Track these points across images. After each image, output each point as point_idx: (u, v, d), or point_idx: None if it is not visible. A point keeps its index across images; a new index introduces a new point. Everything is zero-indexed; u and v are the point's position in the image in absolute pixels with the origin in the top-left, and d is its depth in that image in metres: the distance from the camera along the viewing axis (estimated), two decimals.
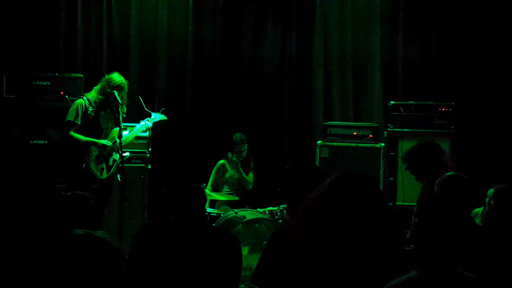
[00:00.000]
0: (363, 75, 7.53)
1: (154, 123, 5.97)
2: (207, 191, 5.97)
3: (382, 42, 7.43)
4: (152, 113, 5.95)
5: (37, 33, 7.15)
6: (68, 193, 3.85)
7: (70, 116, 5.61)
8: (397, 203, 6.39)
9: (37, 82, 6.36)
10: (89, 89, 6.51)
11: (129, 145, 6.44)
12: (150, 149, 6.62)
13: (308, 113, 7.49)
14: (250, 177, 6.70)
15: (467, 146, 6.74)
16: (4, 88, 6.31)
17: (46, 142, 6.29)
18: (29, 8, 7.10)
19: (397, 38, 7.44)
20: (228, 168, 6.65)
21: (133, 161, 6.49)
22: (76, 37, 7.21)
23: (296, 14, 7.51)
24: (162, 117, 6.03)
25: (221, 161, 6.68)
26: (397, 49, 7.44)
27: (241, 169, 6.60)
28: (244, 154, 6.60)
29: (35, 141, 6.27)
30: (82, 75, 6.56)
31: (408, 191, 6.34)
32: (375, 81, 7.43)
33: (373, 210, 1.68)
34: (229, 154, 6.59)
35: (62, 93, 6.34)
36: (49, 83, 6.37)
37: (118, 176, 5.64)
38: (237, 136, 6.61)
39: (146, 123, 5.88)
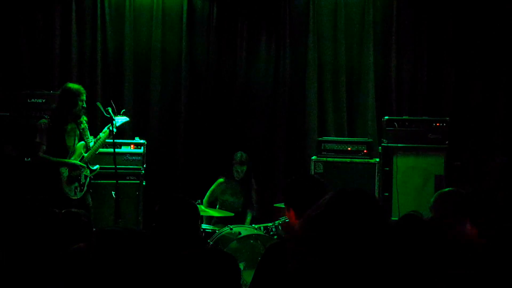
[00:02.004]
0: (357, 90, 7.56)
1: (118, 128, 5.79)
2: (202, 207, 5.95)
3: (375, 58, 7.48)
4: (114, 117, 5.72)
5: (31, 51, 7.17)
6: (62, 211, 3.83)
7: (36, 137, 5.59)
8: (393, 218, 6.37)
9: (32, 100, 6.37)
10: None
11: (124, 162, 6.45)
12: (144, 166, 6.61)
13: (302, 129, 7.50)
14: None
15: (460, 161, 6.76)
16: None
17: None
18: (23, 25, 7.12)
19: (390, 53, 7.49)
20: (227, 188, 6.59)
21: (128, 178, 6.48)
22: (70, 55, 7.23)
23: (289, 30, 7.56)
24: (125, 119, 5.87)
25: (221, 179, 6.62)
26: (390, 64, 7.48)
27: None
28: (241, 175, 6.52)
29: (29, 159, 6.26)
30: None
31: (403, 206, 6.33)
32: (369, 96, 7.45)
33: (374, 228, 1.67)
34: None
35: None
36: (43, 101, 6.38)
37: (113, 192, 5.62)
38: (237, 155, 6.55)
39: (111, 128, 5.70)
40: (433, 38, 7.43)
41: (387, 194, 6.54)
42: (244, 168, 6.53)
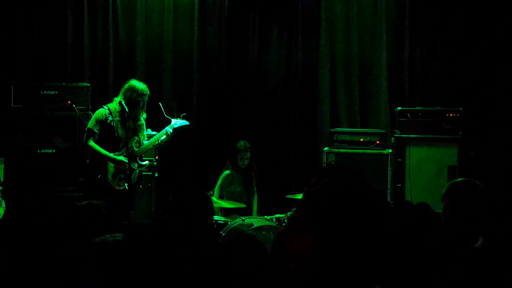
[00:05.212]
0: (370, 81, 7.52)
1: (175, 129, 5.87)
2: (214, 198, 5.96)
3: (388, 48, 7.42)
4: (172, 119, 5.86)
5: (44, 43, 7.20)
6: (83, 203, 3.85)
7: (89, 124, 5.65)
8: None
9: (45, 92, 6.39)
10: (95, 98, 6.55)
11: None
12: (157, 157, 6.62)
13: (314, 120, 7.48)
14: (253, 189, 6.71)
15: (474, 152, 6.71)
16: (12, 98, 6.35)
17: (53, 151, 6.32)
18: (35, 18, 7.15)
19: (403, 43, 7.43)
20: (234, 179, 6.61)
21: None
22: (82, 46, 7.25)
23: (301, 20, 7.52)
24: (184, 122, 5.92)
25: (227, 172, 6.64)
26: (403, 55, 7.42)
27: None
28: (246, 162, 6.57)
29: (42, 150, 6.30)
30: (89, 84, 6.59)
31: (416, 197, 6.30)
32: (381, 87, 7.41)
33: (370, 199, 1.68)
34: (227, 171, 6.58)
35: (69, 102, 6.38)
36: (56, 92, 6.40)
37: (126, 184, 5.63)
38: (241, 144, 6.59)
39: (167, 129, 5.79)
40: (447, 28, 7.35)
41: (399, 185, 6.51)
42: (248, 154, 6.56)
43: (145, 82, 7.34)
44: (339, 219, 1.64)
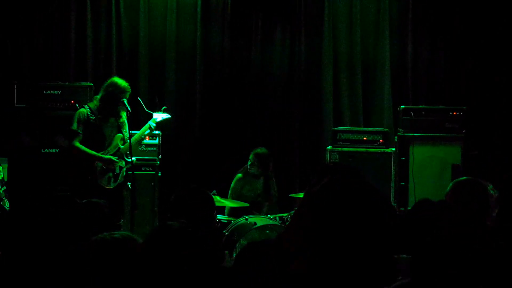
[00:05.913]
0: (373, 79, 7.51)
1: (158, 123, 5.86)
2: (217, 198, 5.96)
3: (391, 46, 7.41)
4: (154, 113, 5.83)
5: (47, 43, 7.21)
6: (84, 201, 3.84)
7: (72, 125, 5.63)
8: (409, 208, 6.33)
9: (48, 91, 6.40)
10: None
11: (140, 152, 6.47)
12: (160, 157, 6.62)
13: (317, 119, 7.47)
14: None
15: (478, 150, 6.70)
16: (15, 97, 6.37)
17: (57, 150, 6.33)
18: (39, 18, 7.16)
19: (407, 42, 7.42)
20: (245, 183, 6.56)
21: (143, 169, 6.50)
22: (85, 46, 7.26)
23: (304, 19, 7.51)
24: (166, 116, 5.90)
25: (239, 175, 6.58)
26: (406, 53, 7.41)
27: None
28: (252, 170, 6.42)
29: (46, 150, 6.31)
30: (92, 84, 6.58)
31: (419, 196, 6.29)
32: (384, 86, 7.40)
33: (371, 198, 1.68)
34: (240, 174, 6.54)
35: (72, 102, 6.37)
36: (59, 92, 6.40)
37: (129, 184, 5.64)
38: (255, 151, 6.45)
39: (150, 123, 5.77)
40: (450, 26, 7.34)
41: (403, 184, 6.51)
42: (256, 163, 6.42)
43: (148, 81, 7.42)
44: (339, 219, 1.64)
